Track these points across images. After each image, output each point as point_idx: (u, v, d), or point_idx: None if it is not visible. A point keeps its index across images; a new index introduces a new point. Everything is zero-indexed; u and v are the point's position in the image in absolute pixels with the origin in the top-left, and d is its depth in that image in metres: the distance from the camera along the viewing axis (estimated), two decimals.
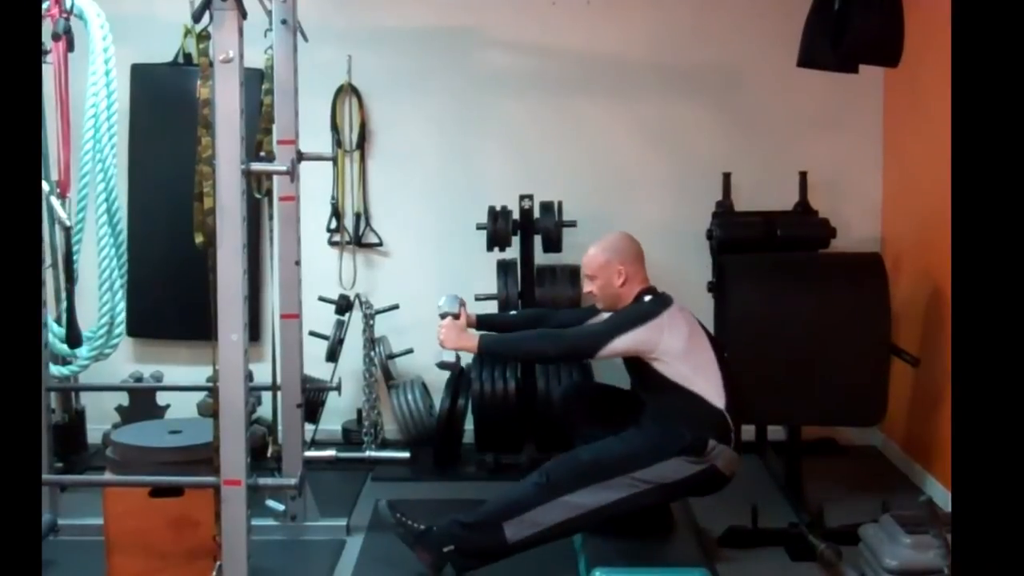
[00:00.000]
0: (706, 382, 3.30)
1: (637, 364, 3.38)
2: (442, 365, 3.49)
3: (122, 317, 4.17)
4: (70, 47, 3.54)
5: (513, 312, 4.35)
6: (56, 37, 3.46)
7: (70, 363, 4.21)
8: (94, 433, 4.61)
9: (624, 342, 3.29)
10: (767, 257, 4.20)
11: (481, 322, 3.73)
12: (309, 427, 4.34)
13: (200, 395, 4.57)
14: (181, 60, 4.80)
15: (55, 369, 4.12)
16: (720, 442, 3.26)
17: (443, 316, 3.53)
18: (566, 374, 4.50)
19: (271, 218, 3.79)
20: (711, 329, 4.36)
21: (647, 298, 3.44)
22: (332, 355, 4.63)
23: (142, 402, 4.56)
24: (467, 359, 4.66)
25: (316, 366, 4.43)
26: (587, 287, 3.57)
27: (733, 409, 3.31)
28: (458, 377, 4.58)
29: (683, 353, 3.30)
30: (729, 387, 3.33)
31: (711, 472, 3.27)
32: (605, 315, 3.53)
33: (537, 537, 3.27)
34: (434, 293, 4.90)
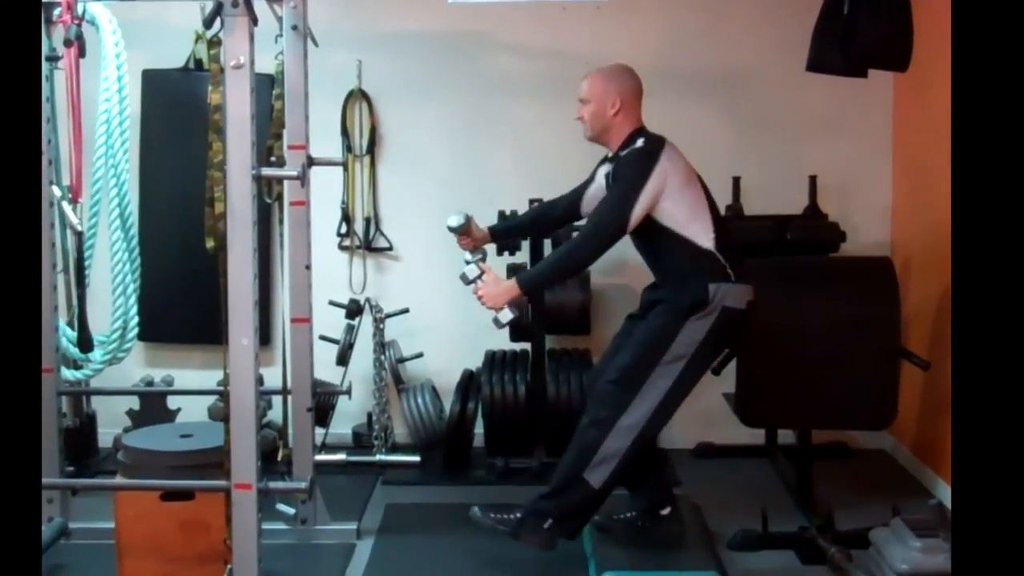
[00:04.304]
0: (697, 224, 3.28)
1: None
2: (500, 324, 3.33)
3: (135, 321, 4.18)
4: (82, 53, 3.55)
5: (520, 214, 4.21)
6: (68, 43, 3.46)
7: (83, 367, 4.22)
8: (105, 437, 4.62)
9: (643, 200, 3.21)
10: (777, 261, 4.19)
11: (494, 233, 3.70)
12: (319, 431, 4.35)
13: (211, 399, 4.58)
14: (192, 66, 4.82)
15: (67, 373, 4.13)
16: (719, 281, 3.26)
17: (452, 231, 3.52)
18: (576, 378, 4.51)
19: (281, 223, 3.79)
20: None
21: (640, 141, 3.33)
22: (342, 359, 4.64)
23: (153, 406, 4.56)
24: (476, 363, 4.69)
25: (326, 370, 4.44)
26: (579, 112, 3.46)
27: (721, 245, 3.30)
28: (468, 381, 4.59)
29: (680, 194, 3.27)
30: (717, 224, 3.33)
31: (727, 315, 3.26)
32: (600, 178, 3.45)
33: (618, 467, 3.29)
34: (444, 297, 4.95)
